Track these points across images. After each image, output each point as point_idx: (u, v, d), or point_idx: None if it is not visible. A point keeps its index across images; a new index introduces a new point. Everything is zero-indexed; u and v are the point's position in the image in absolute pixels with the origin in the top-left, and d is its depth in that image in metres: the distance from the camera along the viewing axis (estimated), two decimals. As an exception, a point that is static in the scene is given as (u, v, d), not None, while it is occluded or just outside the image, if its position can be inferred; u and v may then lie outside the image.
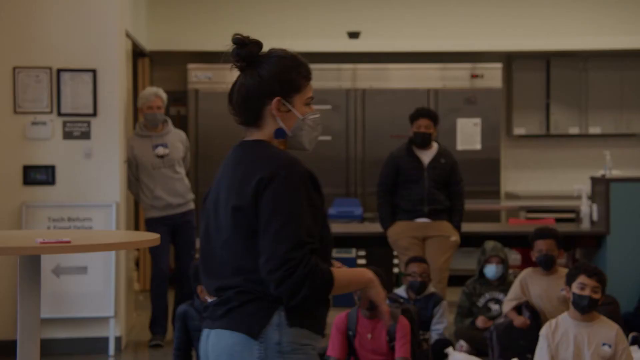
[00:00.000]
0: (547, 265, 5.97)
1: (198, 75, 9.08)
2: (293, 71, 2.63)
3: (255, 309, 2.52)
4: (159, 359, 6.51)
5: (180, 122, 9.05)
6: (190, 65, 9.13)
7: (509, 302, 6.02)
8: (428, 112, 6.85)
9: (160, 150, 6.81)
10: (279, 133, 2.63)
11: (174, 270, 7.06)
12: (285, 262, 2.44)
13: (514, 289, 6.04)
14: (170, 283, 6.94)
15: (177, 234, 6.88)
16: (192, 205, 6.97)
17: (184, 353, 5.68)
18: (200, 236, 2.71)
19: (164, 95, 6.93)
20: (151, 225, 6.78)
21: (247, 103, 2.62)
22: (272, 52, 2.64)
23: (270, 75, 2.60)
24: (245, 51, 2.61)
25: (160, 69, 9.69)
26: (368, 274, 2.64)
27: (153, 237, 3.44)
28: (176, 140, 6.93)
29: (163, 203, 6.79)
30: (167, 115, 7.07)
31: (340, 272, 2.55)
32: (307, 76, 2.66)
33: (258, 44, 2.63)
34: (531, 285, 6.00)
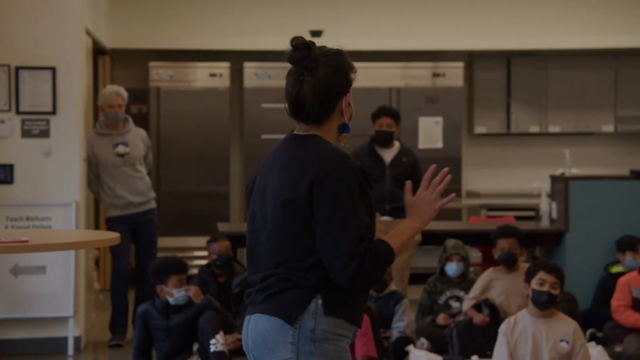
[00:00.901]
0: (509, 263, 6.02)
1: (159, 74, 9.02)
2: (348, 66, 2.72)
3: (294, 296, 2.59)
4: (118, 358, 6.47)
5: (142, 121, 8.99)
6: (152, 64, 9.07)
7: (469, 300, 6.06)
8: (390, 111, 6.88)
9: (121, 149, 6.76)
10: (345, 127, 2.72)
11: (135, 269, 7.01)
12: (352, 259, 2.52)
13: (476, 288, 6.08)
14: (130, 282, 6.89)
15: (138, 233, 6.84)
16: (153, 204, 6.93)
17: (144, 352, 5.66)
18: (247, 223, 2.77)
19: (124, 94, 6.88)
20: (112, 224, 6.73)
21: (325, 101, 2.66)
22: (328, 51, 2.70)
23: (339, 73, 2.68)
24: (311, 52, 2.66)
25: (121, 67, 9.61)
26: (413, 223, 2.70)
27: (113, 236, 3.42)
28: (137, 138, 6.89)
29: (124, 202, 6.74)
30: (127, 114, 7.02)
31: (392, 239, 2.64)
32: (353, 68, 2.76)
33: (315, 44, 2.70)
34: (494, 283, 6.04)
